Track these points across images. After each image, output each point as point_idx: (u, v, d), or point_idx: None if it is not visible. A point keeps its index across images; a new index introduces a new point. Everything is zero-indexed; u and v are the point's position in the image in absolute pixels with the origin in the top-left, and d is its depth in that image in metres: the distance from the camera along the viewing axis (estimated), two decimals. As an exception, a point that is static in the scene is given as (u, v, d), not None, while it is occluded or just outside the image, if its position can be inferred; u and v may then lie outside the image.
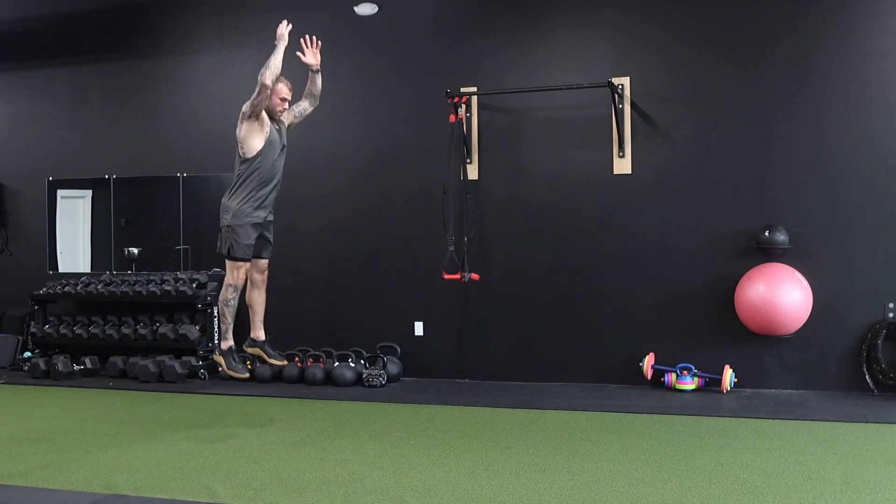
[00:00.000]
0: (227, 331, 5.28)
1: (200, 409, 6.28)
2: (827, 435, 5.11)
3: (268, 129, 5.27)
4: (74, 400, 6.73)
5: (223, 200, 5.32)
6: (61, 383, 7.44)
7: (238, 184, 5.27)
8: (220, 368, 5.34)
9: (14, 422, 5.90)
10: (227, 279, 5.32)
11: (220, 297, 5.35)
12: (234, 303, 5.30)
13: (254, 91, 5.17)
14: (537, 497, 3.98)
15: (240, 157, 5.30)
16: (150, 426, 5.69)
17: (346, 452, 4.86)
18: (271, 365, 5.53)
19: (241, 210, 5.25)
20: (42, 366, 7.61)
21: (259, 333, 5.59)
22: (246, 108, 5.21)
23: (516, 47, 7.19)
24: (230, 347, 5.29)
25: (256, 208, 5.29)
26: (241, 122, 5.25)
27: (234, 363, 5.29)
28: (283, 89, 5.37)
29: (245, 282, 5.41)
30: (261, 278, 5.55)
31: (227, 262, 5.32)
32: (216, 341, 5.35)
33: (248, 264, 5.34)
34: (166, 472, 4.52)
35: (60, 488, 4.26)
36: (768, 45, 6.59)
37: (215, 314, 7.72)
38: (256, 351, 5.59)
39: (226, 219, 5.27)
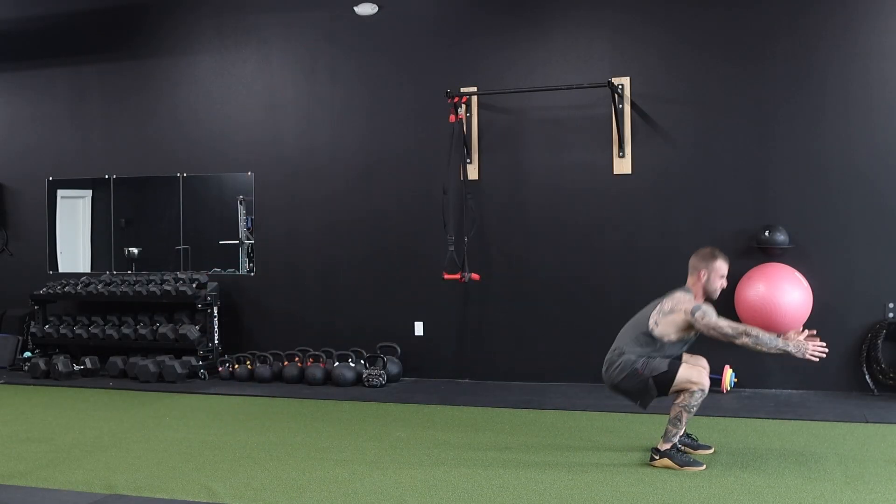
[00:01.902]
0: (675, 435, 4.49)
1: (200, 409, 6.28)
2: (827, 435, 5.11)
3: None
4: (74, 400, 6.72)
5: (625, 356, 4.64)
6: (61, 383, 7.44)
7: (643, 351, 4.61)
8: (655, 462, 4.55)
9: (14, 422, 5.89)
10: (693, 387, 4.45)
11: (686, 402, 4.45)
12: (695, 410, 4.51)
13: (711, 324, 4.46)
14: (537, 497, 3.98)
15: (650, 329, 4.61)
16: (150, 426, 5.69)
17: (346, 452, 4.86)
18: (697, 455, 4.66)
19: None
20: (42, 366, 7.61)
21: (663, 445, 4.63)
22: (698, 324, 4.49)
23: (516, 47, 7.19)
24: (673, 446, 4.50)
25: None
26: (680, 316, 4.54)
27: (685, 458, 4.48)
28: (726, 268, 4.68)
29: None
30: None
31: (678, 385, 4.47)
32: (662, 444, 4.54)
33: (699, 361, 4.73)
34: (166, 472, 4.52)
35: (60, 488, 4.27)
36: (768, 45, 6.59)
37: (215, 314, 7.73)
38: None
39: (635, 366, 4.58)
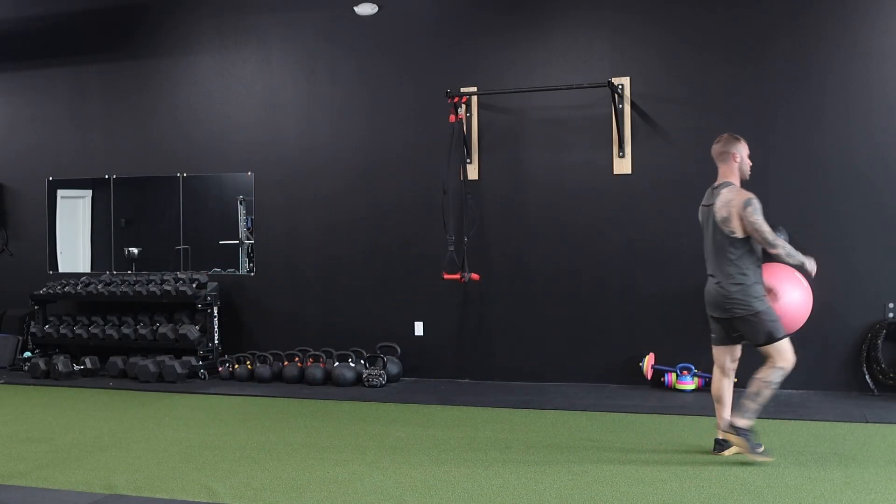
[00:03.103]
0: (753, 411, 4.56)
1: (200, 409, 6.28)
2: (827, 435, 5.11)
3: None
4: (74, 400, 6.73)
5: (732, 289, 4.54)
6: (61, 383, 7.44)
7: (747, 265, 4.54)
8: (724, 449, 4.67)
9: (14, 422, 5.90)
10: (780, 362, 4.51)
11: (767, 377, 4.53)
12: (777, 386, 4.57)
13: (761, 235, 4.48)
14: (537, 497, 3.98)
15: (732, 236, 4.54)
16: (150, 426, 5.69)
17: (346, 452, 4.86)
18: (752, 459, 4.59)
19: (761, 290, 4.56)
20: (42, 366, 7.61)
21: (741, 421, 4.65)
22: (746, 218, 4.47)
23: (516, 47, 7.19)
24: (750, 427, 4.55)
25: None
26: (749, 219, 4.48)
27: (757, 445, 4.53)
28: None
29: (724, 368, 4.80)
30: (734, 365, 4.84)
31: (773, 348, 4.53)
32: (734, 418, 4.61)
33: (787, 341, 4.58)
34: (166, 472, 4.52)
35: (60, 488, 4.27)
36: (768, 45, 6.59)
37: (215, 314, 7.73)
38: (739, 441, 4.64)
39: (754, 305, 4.51)
